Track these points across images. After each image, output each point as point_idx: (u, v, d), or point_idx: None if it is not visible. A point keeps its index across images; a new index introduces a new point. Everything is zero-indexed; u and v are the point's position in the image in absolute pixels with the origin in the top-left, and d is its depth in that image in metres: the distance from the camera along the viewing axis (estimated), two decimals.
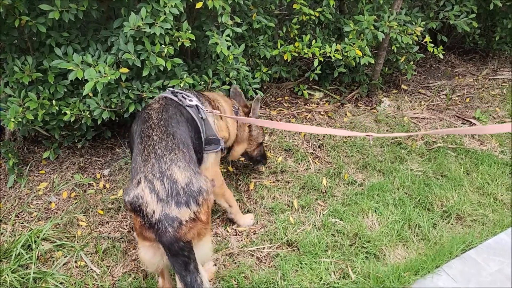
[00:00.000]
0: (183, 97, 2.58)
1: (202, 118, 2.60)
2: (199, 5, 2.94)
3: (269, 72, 4.12)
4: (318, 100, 4.51)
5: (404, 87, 4.77)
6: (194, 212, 2.07)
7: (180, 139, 2.28)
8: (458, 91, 4.76)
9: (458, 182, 3.31)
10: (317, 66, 3.95)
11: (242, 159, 3.41)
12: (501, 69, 5.27)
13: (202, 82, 3.34)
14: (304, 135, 3.87)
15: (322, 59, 3.81)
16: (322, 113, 4.28)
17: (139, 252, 2.19)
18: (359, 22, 3.90)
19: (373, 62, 3.90)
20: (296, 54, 3.87)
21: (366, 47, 3.87)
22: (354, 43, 3.86)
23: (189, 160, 2.21)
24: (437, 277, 2.55)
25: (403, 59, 4.42)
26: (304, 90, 4.40)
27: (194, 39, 3.06)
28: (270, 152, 3.67)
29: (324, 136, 3.87)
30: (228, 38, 3.20)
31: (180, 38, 2.97)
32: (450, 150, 3.73)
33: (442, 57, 4.19)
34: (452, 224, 3.00)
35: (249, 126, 3.11)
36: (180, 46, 3.07)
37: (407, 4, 4.67)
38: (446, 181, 3.35)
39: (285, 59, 3.85)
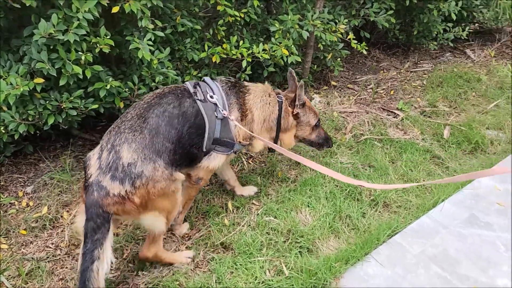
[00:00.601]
0: (206, 91, 2.59)
1: (217, 117, 2.57)
2: (115, 9, 2.86)
3: (199, 75, 4.09)
4: None
5: (333, 83, 4.93)
6: (126, 191, 2.18)
7: (152, 126, 2.34)
8: (383, 84, 5.00)
9: (384, 171, 3.48)
10: (247, 67, 3.99)
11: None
12: (421, 61, 5.60)
13: (127, 89, 3.24)
14: None
15: (250, 60, 3.84)
16: None
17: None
18: (284, 21, 3.98)
19: (300, 60, 3.99)
20: (225, 56, 3.87)
21: (293, 46, 3.95)
22: (280, 43, 3.93)
23: (146, 145, 2.28)
24: (367, 264, 2.66)
25: (330, 56, 4.57)
26: None
27: (114, 45, 2.97)
28: None
29: None
30: (150, 43, 3.13)
31: (98, 44, 2.87)
32: (376, 141, 3.90)
33: (365, 52, 4.38)
34: (379, 211, 3.14)
35: (293, 111, 3.00)
36: (103, 53, 2.96)
37: (331, 3, 4.84)
38: (374, 171, 3.51)
39: (214, 61, 3.84)
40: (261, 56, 3.84)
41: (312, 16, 4.06)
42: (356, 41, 4.34)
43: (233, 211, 3.11)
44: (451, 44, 5.47)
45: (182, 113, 2.45)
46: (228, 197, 3.24)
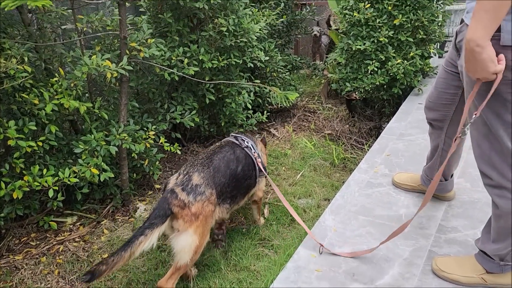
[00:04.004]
0: (242, 139, 3.68)
1: (254, 153, 3.66)
2: None
3: (2, 214, 3.66)
4: (71, 226, 4.22)
5: (157, 186, 4.97)
6: (188, 201, 2.94)
7: (215, 165, 3.27)
8: None
9: (217, 267, 3.54)
10: (58, 194, 3.76)
11: None
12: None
13: None
14: None
15: (57, 188, 3.63)
16: (77, 239, 4.01)
17: None
18: (88, 141, 3.93)
19: (112, 176, 3.94)
20: (28, 189, 3.58)
21: (103, 163, 3.90)
22: (89, 163, 3.84)
23: (210, 177, 3.17)
24: None
25: (147, 162, 4.64)
26: (50, 221, 4.05)
27: None
28: None
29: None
30: None
31: None
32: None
33: (179, 152, 4.61)
34: None
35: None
36: None
37: (136, 113, 5.01)
38: (208, 270, 3.54)
39: (15, 197, 3.50)
40: (70, 180, 3.68)
41: (117, 130, 4.12)
42: (168, 144, 4.54)
43: None
44: (255, 128, 6.15)
45: (236, 157, 3.46)
46: None
